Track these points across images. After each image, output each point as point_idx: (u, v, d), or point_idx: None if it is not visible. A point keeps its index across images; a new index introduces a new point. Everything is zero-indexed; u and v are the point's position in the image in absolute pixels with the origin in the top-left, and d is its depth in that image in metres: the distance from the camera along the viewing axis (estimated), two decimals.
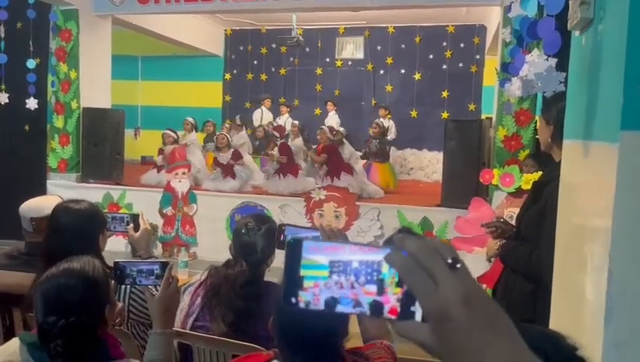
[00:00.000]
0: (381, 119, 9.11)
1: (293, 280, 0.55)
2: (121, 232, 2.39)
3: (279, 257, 1.58)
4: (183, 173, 6.68)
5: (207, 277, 2.08)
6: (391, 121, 9.34)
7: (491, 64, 8.25)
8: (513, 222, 2.51)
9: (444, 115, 10.00)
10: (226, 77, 11.68)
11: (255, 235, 2.03)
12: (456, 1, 6.86)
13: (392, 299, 0.54)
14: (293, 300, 0.55)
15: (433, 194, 6.56)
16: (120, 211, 5.95)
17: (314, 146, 7.92)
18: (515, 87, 2.38)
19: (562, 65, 1.75)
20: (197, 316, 2.04)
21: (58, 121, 7.18)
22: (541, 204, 2.06)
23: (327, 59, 11.12)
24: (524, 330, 0.84)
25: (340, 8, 7.40)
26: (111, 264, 1.78)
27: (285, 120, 9.61)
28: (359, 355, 1.45)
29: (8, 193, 6.25)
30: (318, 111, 10.82)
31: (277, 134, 7.50)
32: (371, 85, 10.91)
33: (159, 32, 8.91)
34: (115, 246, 5.77)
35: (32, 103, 5.44)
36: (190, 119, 8.11)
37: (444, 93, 10.31)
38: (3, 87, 5.28)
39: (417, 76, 10.53)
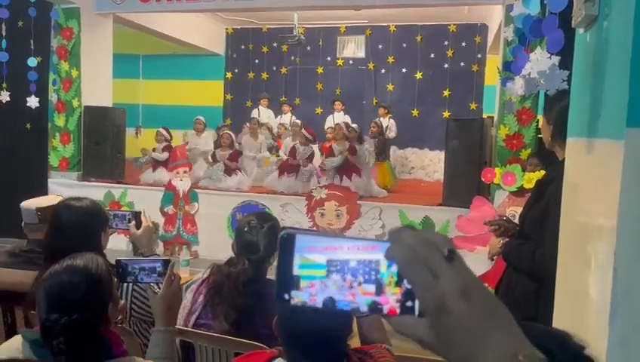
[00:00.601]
0: (381, 118, 9.10)
1: (286, 276, 0.54)
2: (123, 230, 2.39)
3: None
4: (185, 172, 6.69)
5: (209, 275, 2.08)
6: (391, 120, 9.33)
7: (493, 63, 8.25)
8: (516, 221, 2.51)
9: (446, 114, 9.99)
10: (227, 76, 11.68)
11: (258, 233, 2.03)
12: None
13: (390, 299, 0.53)
14: (287, 296, 0.54)
15: (435, 194, 6.56)
16: (122, 209, 5.95)
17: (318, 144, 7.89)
18: (517, 86, 2.38)
19: (565, 63, 1.75)
20: (199, 314, 2.04)
21: (59, 120, 7.18)
22: (544, 202, 2.06)
23: (329, 58, 11.11)
24: (530, 328, 0.83)
25: (342, 7, 7.41)
26: (112, 262, 1.78)
27: (289, 119, 9.59)
28: (364, 353, 1.45)
29: (9, 191, 6.26)
30: (319, 110, 10.82)
31: (311, 137, 7.28)
32: (372, 84, 10.90)
33: (160, 30, 8.91)
34: (117, 245, 5.77)
35: (33, 102, 5.44)
36: (201, 118, 7.93)
37: (446, 92, 10.30)
38: (4, 85, 5.28)
39: (419, 75, 10.52)
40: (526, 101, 5.51)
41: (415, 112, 10.52)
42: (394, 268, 0.52)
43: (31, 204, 2.58)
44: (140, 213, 2.39)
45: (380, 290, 0.53)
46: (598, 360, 0.73)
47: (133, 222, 2.33)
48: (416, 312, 0.52)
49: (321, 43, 11.02)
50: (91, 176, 7.10)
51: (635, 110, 1.10)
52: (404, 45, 10.58)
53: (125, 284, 2.05)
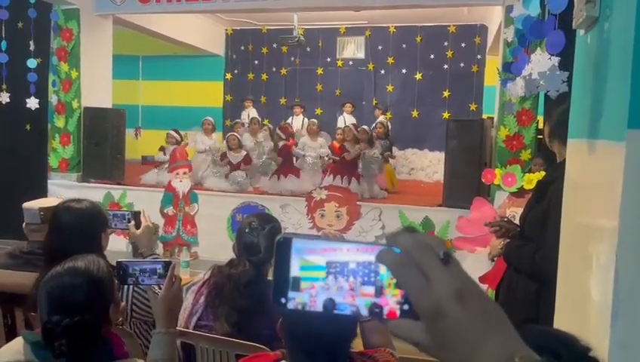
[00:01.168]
0: (377, 119, 9.10)
1: (282, 279, 0.54)
2: (123, 230, 2.39)
3: None
4: (184, 173, 6.68)
5: (210, 277, 2.08)
6: (387, 122, 9.32)
7: (492, 64, 8.24)
8: (516, 222, 2.51)
9: (445, 115, 10.00)
10: (226, 77, 11.68)
11: (259, 235, 2.02)
12: (457, 0, 6.85)
13: (390, 301, 0.53)
14: (283, 300, 0.54)
15: (435, 194, 6.56)
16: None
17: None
18: (517, 87, 2.38)
19: (565, 65, 1.75)
20: (200, 315, 2.04)
21: (59, 121, 7.18)
22: (545, 203, 2.06)
23: (328, 59, 11.12)
24: (536, 330, 0.83)
25: (341, 8, 7.40)
26: (112, 263, 1.77)
27: (301, 121, 9.58)
28: (367, 357, 1.45)
29: (9, 193, 6.27)
30: (319, 111, 10.82)
31: (282, 135, 7.40)
32: (372, 85, 10.91)
33: (160, 31, 8.91)
34: (116, 246, 5.77)
35: (32, 103, 5.44)
36: (210, 119, 7.88)
37: (446, 93, 10.30)
38: (4, 86, 5.28)
39: (418, 76, 10.52)
40: (526, 102, 5.51)
41: (415, 113, 10.52)
42: None
43: (33, 204, 2.58)
44: (139, 212, 2.38)
45: (379, 292, 0.53)
46: None
47: (133, 222, 2.33)
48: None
49: (320, 44, 11.03)
50: (91, 177, 7.09)
51: (636, 111, 1.10)
52: (404, 46, 10.59)
53: (126, 286, 2.04)
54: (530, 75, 1.96)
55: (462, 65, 10.25)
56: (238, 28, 11.36)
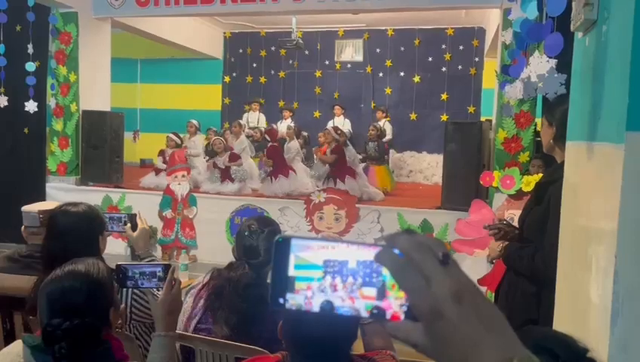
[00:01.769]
0: (379, 122, 9.12)
1: (280, 280, 0.52)
2: (119, 232, 2.39)
3: None
4: (183, 176, 6.68)
5: (209, 280, 2.08)
6: (388, 124, 9.35)
7: (490, 66, 8.27)
8: (514, 224, 2.51)
9: (444, 117, 10.01)
10: (225, 80, 11.68)
11: (258, 238, 2.02)
12: (455, 3, 6.87)
13: (394, 304, 0.51)
14: (281, 301, 0.52)
15: (433, 197, 6.56)
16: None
17: (314, 148, 7.93)
18: (516, 89, 2.39)
19: (563, 67, 1.75)
20: (200, 318, 2.03)
21: (57, 124, 7.17)
22: (544, 205, 2.06)
23: (327, 62, 11.13)
24: (536, 331, 0.84)
25: (340, 11, 7.41)
26: (111, 266, 1.77)
27: (288, 124, 9.60)
28: (368, 359, 1.45)
29: (8, 196, 6.26)
30: (317, 114, 10.83)
31: (268, 138, 7.47)
32: (370, 88, 10.92)
33: (158, 34, 8.91)
34: (115, 249, 5.77)
35: (31, 106, 5.43)
36: (194, 122, 8.00)
37: (444, 96, 10.32)
38: (2, 90, 5.26)
39: (417, 79, 10.54)
40: (524, 104, 5.52)
41: (413, 116, 10.53)
42: None
43: (33, 207, 2.58)
44: (135, 215, 2.39)
45: (382, 294, 0.51)
46: None
47: (129, 225, 2.33)
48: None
49: (319, 47, 11.04)
50: (89, 180, 7.09)
51: (635, 113, 1.11)
52: (402, 49, 10.61)
53: (125, 288, 2.04)
54: (528, 78, 1.97)
55: (460, 67, 10.27)
56: (237, 31, 11.37)
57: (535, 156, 5.47)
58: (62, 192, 6.80)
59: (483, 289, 4.32)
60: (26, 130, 7.06)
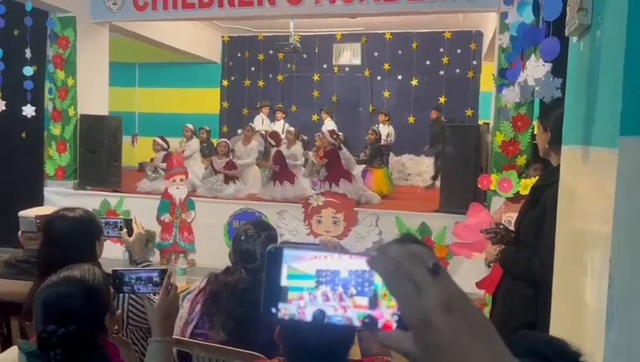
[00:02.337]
0: (380, 125, 9.14)
1: (273, 289, 0.52)
2: (115, 237, 2.39)
3: None
4: (181, 180, 6.68)
5: (206, 284, 2.07)
6: (390, 127, 9.36)
7: (488, 70, 8.29)
8: (511, 227, 2.51)
9: (442, 120, 10.01)
10: (223, 83, 11.70)
11: (255, 242, 2.02)
12: (452, 7, 6.88)
13: (385, 313, 0.51)
14: (274, 310, 0.52)
15: (431, 200, 6.57)
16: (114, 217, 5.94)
17: (312, 151, 7.93)
18: (513, 93, 2.40)
19: (559, 72, 1.76)
20: (196, 323, 2.03)
21: (55, 129, 7.17)
22: (540, 208, 2.07)
23: (325, 66, 11.15)
24: (528, 336, 0.84)
25: (338, 15, 7.43)
26: (108, 271, 1.77)
27: (282, 126, 9.62)
28: None
29: (5, 201, 6.24)
30: (315, 117, 10.84)
31: (273, 142, 7.47)
32: (368, 91, 10.94)
33: (156, 38, 8.93)
34: (112, 254, 5.75)
35: (29, 110, 5.43)
36: (190, 126, 8.07)
37: (442, 99, 10.34)
38: (0, 94, 5.27)
39: (414, 82, 10.56)
40: (521, 107, 5.53)
41: (411, 119, 10.56)
42: None
43: (30, 212, 2.58)
44: (131, 220, 2.39)
45: (374, 303, 0.51)
46: None
47: (125, 230, 2.33)
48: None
49: (317, 50, 11.07)
50: (87, 184, 7.08)
51: (629, 119, 1.11)
52: (400, 52, 10.63)
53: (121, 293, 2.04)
54: (525, 81, 1.98)
55: (457, 71, 10.30)
56: (235, 35, 11.39)
57: (534, 159, 5.48)
58: (60, 197, 6.79)
59: (481, 292, 4.32)
60: (23, 135, 7.05)
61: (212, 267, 2.35)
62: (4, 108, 5.21)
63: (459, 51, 10.25)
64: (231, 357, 1.91)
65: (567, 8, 1.53)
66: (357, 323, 0.51)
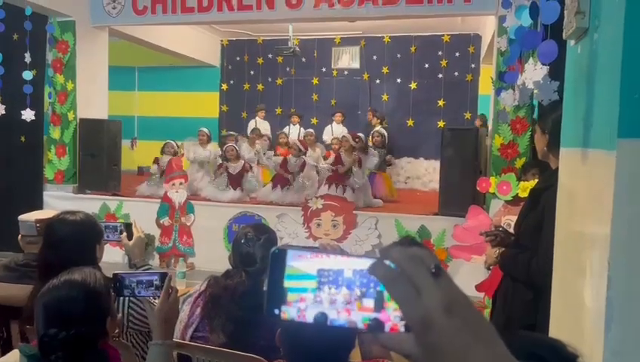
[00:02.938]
0: (375, 127, 9.13)
1: (276, 291, 0.51)
2: (115, 241, 2.39)
3: None
4: (180, 184, 6.68)
5: (206, 288, 2.08)
6: (382, 129, 9.35)
7: (487, 73, 8.30)
8: (511, 230, 2.52)
9: (441, 123, 10.04)
10: (222, 87, 11.70)
11: (254, 245, 2.03)
12: (451, 10, 6.90)
13: (392, 316, 0.50)
14: (277, 311, 0.51)
15: (430, 203, 6.57)
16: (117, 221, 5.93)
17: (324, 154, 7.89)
18: (511, 96, 2.40)
19: (557, 74, 1.77)
20: (196, 327, 2.03)
21: (55, 133, 7.17)
22: (539, 211, 2.07)
23: (324, 69, 11.17)
24: (525, 337, 0.84)
25: (336, 18, 7.44)
26: (107, 275, 1.77)
27: (297, 130, 9.60)
28: None
29: (5, 204, 6.24)
30: (314, 120, 10.85)
31: (302, 148, 7.33)
32: (367, 94, 10.95)
33: (156, 42, 8.94)
34: (112, 258, 5.75)
35: (28, 115, 5.43)
36: (205, 130, 7.84)
37: (440, 102, 10.36)
38: None
39: (413, 85, 10.58)
40: (520, 110, 5.55)
41: (410, 122, 10.56)
42: None
43: (29, 216, 2.58)
44: (131, 224, 2.39)
45: (380, 306, 0.50)
46: None
47: (125, 234, 2.33)
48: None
49: (316, 54, 11.08)
50: (87, 188, 7.08)
51: (627, 121, 1.12)
52: (399, 56, 10.65)
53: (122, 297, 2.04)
54: (523, 84, 1.99)
55: (456, 74, 10.31)
56: (234, 39, 11.40)
57: (531, 164, 5.47)
58: (59, 200, 6.78)
59: (481, 295, 4.31)
60: (22, 139, 7.05)
61: (212, 270, 2.35)
62: (3, 112, 5.21)
63: (457, 54, 10.27)
64: (231, 360, 1.91)
65: (565, 12, 1.54)
66: (362, 326, 0.50)
